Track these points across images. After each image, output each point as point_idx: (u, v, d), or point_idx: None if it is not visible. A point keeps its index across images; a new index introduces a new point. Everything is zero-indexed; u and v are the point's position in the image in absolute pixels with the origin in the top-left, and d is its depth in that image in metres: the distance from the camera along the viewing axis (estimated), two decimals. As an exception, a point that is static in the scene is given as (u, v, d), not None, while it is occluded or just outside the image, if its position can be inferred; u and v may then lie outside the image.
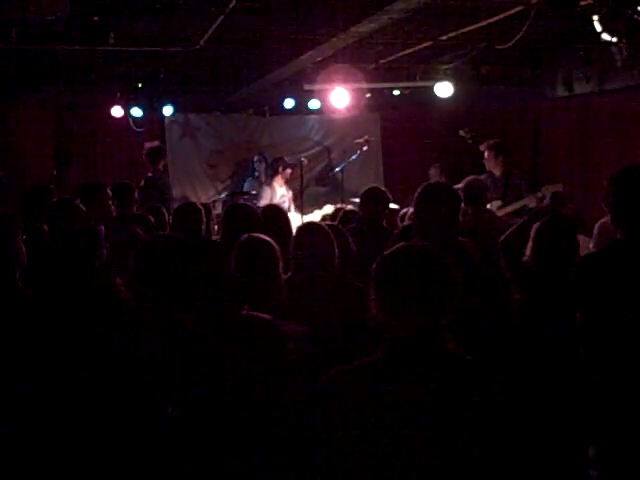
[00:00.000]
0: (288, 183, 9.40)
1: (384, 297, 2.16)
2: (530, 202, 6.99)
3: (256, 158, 10.43)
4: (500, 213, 6.93)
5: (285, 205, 8.92)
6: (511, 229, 4.12)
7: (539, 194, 7.09)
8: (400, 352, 2.12)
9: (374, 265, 2.22)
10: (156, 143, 8.56)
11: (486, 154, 7.69)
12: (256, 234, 3.60)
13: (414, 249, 2.22)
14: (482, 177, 7.63)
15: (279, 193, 9.22)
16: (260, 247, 3.46)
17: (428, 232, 3.69)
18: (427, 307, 2.11)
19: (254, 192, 9.71)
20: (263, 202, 8.87)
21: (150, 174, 8.25)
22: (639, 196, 3.08)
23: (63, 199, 5.13)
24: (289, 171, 9.30)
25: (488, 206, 7.08)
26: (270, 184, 9.28)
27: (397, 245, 2.24)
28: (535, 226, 3.84)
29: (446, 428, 2.03)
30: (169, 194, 8.26)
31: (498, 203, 7.26)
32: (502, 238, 4.00)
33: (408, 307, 2.11)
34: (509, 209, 7.07)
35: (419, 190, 3.92)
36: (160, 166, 8.34)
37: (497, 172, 7.58)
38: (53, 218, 4.82)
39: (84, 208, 4.98)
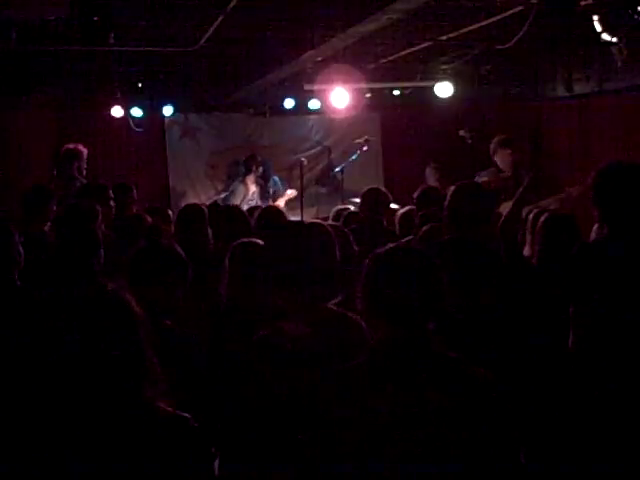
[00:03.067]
0: (257, 180, 9.70)
1: (370, 298, 2.16)
2: (550, 205, 6.40)
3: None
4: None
5: (253, 202, 9.11)
6: (505, 215, 4.12)
7: (563, 195, 6.67)
8: (386, 353, 2.12)
9: (363, 266, 2.22)
10: (72, 145, 7.98)
11: (498, 152, 7.36)
12: (248, 239, 3.61)
13: (402, 251, 2.22)
14: (486, 173, 7.49)
15: (251, 190, 9.38)
16: (252, 252, 3.46)
17: (461, 232, 3.69)
18: (412, 308, 2.10)
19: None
20: (237, 199, 9.01)
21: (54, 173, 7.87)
22: (624, 192, 3.11)
23: (83, 202, 5.13)
24: (261, 168, 9.60)
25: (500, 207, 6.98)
26: (243, 181, 9.44)
27: (386, 246, 2.24)
28: (541, 220, 3.87)
29: (433, 428, 2.03)
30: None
31: (509, 205, 6.96)
32: (499, 225, 4.00)
33: (393, 308, 2.11)
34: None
35: (453, 189, 3.91)
36: (74, 170, 7.79)
37: (507, 170, 7.30)
38: (70, 220, 4.80)
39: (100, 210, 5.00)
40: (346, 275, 3.77)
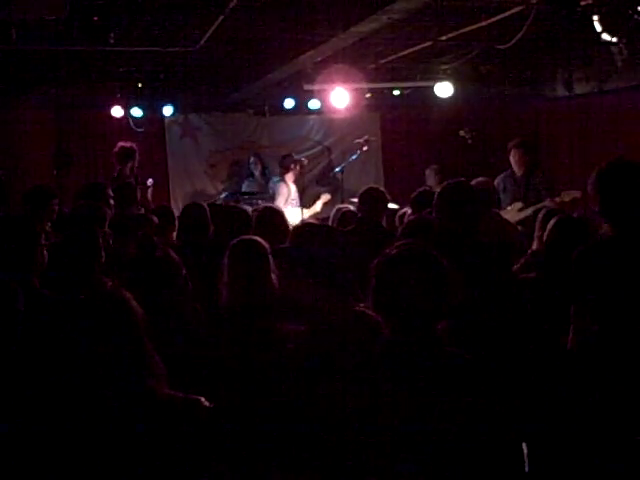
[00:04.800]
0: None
1: (380, 297, 2.16)
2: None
3: (252, 159, 10.34)
4: (521, 215, 6.83)
5: (295, 203, 8.93)
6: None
7: (557, 199, 6.94)
8: (396, 351, 2.13)
9: (372, 266, 2.22)
10: (129, 144, 8.27)
11: (512, 152, 7.55)
12: (248, 236, 3.61)
13: (411, 251, 2.22)
14: (501, 176, 7.59)
15: (293, 189, 9.12)
16: (252, 249, 3.46)
17: (448, 230, 3.70)
18: (422, 308, 2.11)
19: (255, 191, 9.74)
20: (281, 199, 8.80)
21: (115, 175, 7.95)
22: (624, 190, 3.11)
23: (90, 203, 5.13)
24: (299, 167, 9.24)
25: (509, 207, 7.08)
26: (284, 181, 9.09)
27: (395, 246, 2.24)
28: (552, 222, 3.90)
29: (441, 425, 2.04)
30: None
31: (519, 205, 7.10)
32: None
33: (403, 308, 2.12)
34: (529, 212, 6.83)
35: (440, 189, 3.93)
36: (127, 169, 7.96)
37: (519, 171, 7.46)
38: (76, 221, 4.80)
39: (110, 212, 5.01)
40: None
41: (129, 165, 7.96)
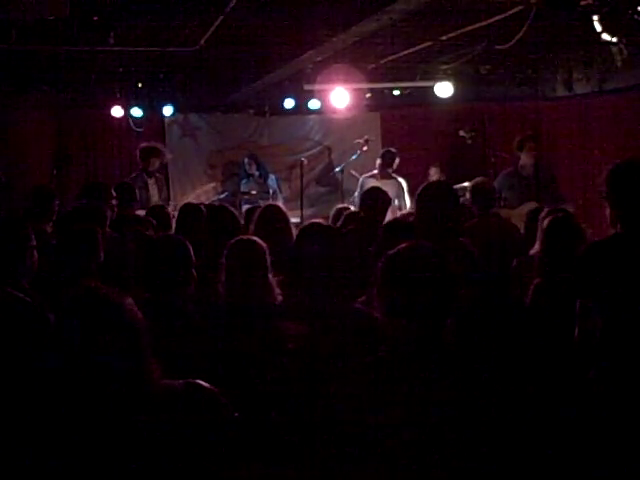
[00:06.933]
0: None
1: (387, 297, 2.17)
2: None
3: (246, 160, 10.27)
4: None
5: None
6: None
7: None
8: (403, 352, 2.14)
9: (378, 265, 2.22)
10: (152, 143, 8.38)
11: (526, 145, 7.27)
12: (246, 236, 3.61)
13: (417, 250, 2.22)
14: (505, 173, 7.36)
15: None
16: (250, 248, 3.46)
17: (428, 230, 3.72)
18: (430, 308, 2.12)
19: (253, 192, 9.73)
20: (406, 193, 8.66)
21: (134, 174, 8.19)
22: (637, 189, 3.13)
23: (93, 203, 5.14)
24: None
25: (520, 207, 6.85)
26: (395, 177, 8.65)
27: (401, 245, 2.24)
28: (545, 222, 3.91)
29: (448, 427, 2.05)
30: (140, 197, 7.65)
31: (532, 205, 6.30)
32: None
33: (411, 308, 2.12)
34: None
35: (419, 189, 3.96)
36: (150, 165, 8.19)
37: (531, 168, 7.17)
38: (74, 221, 4.80)
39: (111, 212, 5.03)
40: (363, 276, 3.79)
41: (151, 161, 8.16)
